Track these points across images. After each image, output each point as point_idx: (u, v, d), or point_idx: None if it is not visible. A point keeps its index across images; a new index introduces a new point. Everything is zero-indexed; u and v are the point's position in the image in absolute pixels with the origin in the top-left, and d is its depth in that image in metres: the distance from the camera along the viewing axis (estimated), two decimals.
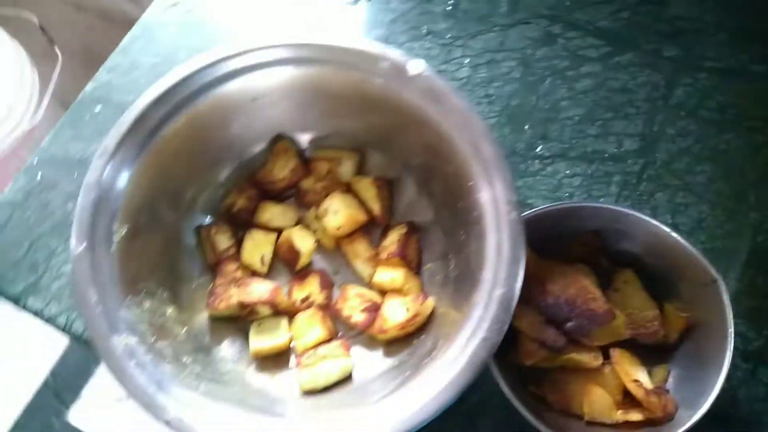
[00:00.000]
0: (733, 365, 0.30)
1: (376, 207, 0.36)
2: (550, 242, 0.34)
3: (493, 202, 0.30)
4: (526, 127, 0.41)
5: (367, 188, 0.36)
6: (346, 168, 0.36)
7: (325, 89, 0.34)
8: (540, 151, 0.40)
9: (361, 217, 0.36)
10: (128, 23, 0.48)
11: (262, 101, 0.35)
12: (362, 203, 0.36)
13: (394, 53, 0.32)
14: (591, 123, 0.41)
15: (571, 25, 0.44)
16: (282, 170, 0.37)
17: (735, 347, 0.31)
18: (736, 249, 0.39)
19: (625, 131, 0.41)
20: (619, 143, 0.41)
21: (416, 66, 0.32)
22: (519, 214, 0.29)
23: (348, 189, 0.37)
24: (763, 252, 0.39)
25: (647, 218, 0.34)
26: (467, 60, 0.43)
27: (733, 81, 0.43)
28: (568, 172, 0.40)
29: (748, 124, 0.42)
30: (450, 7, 0.44)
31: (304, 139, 0.37)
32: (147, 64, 0.44)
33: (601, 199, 0.39)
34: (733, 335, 0.31)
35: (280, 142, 0.37)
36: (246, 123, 0.36)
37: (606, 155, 0.41)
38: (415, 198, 0.37)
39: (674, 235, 0.33)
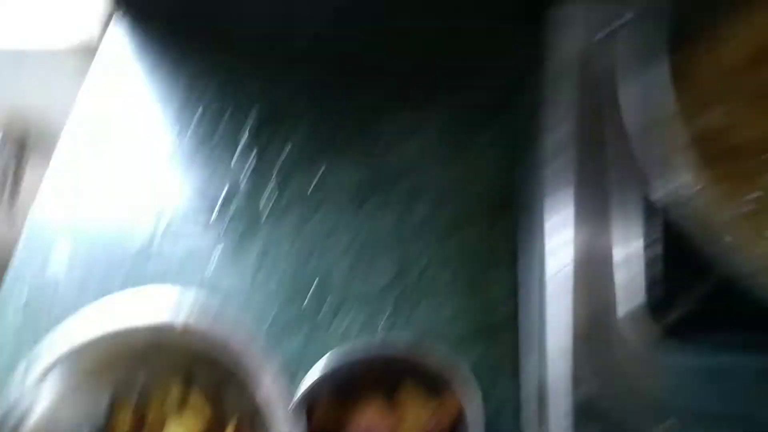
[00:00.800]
0: None
1: None
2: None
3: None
4: (310, 292, 0.52)
5: None
6: (171, 401, 0.45)
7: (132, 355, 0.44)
8: (325, 309, 0.51)
9: None
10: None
11: None
12: None
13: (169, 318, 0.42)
14: (356, 268, 0.52)
15: (324, 195, 0.55)
16: None
17: None
18: (489, 324, 0.50)
19: (383, 265, 0.52)
20: (381, 276, 0.51)
21: (182, 321, 0.42)
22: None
23: None
24: (505, 320, 0.49)
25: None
26: (251, 257, 0.53)
27: (452, 193, 0.55)
28: (350, 318, 0.50)
29: (469, 223, 0.53)
30: (228, 219, 0.56)
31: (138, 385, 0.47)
32: None
33: (379, 327, 0.50)
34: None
35: (117, 398, 0.46)
36: None
37: (374, 290, 0.51)
38: None
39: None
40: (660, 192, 0.35)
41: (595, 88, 0.44)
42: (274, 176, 0.57)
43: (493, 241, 0.53)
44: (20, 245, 0.56)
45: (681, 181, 0.36)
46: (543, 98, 0.48)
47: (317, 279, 0.52)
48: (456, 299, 0.51)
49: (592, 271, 0.40)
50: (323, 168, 0.57)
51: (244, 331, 0.41)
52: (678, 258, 0.37)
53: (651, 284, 0.38)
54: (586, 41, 0.46)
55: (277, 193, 0.56)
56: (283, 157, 0.58)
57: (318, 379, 0.43)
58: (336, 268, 0.53)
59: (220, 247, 0.54)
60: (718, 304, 0.34)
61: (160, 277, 0.54)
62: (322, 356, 0.48)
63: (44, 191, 0.59)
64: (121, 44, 0.66)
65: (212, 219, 0.56)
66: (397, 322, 0.50)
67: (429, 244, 0.53)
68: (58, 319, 0.51)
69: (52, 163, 0.61)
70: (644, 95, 0.35)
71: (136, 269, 0.54)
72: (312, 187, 0.56)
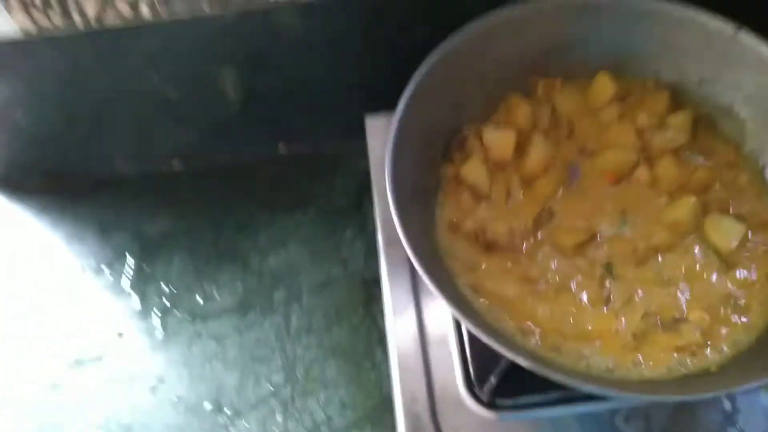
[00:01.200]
0: None
1: None
2: None
3: None
4: (208, 408, 0.55)
5: None
6: None
7: None
8: (222, 421, 0.55)
9: None
10: None
11: None
12: None
13: None
14: (247, 379, 0.57)
15: (207, 317, 0.60)
16: None
17: None
18: (373, 407, 0.55)
19: (271, 370, 0.57)
20: (270, 381, 0.57)
21: None
22: None
23: None
24: (390, 397, 0.54)
25: None
26: (149, 387, 0.57)
27: (325, 290, 0.61)
28: (246, 425, 0.54)
29: (345, 313, 0.59)
30: (123, 354, 0.59)
31: None
32: None
33: (275, 430, 0.54)
34: None
35: None
36: None
37: (265, 396, 0.56)
38: None
39: None
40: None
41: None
42: (158, 311, 0.61)
43: (369, 328, 0.59)
44: None
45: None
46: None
47: (212, 395, 0.56)
48: (342, 390, 0.56)
49: (427, 351, 0.47)
50: (202, 293, 0.62)
51: None
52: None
53: (466, 363, 0.45)
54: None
55: (164, 323, 0.60)
56: (164, 291, 0.62)
57: None
58: (227, 382, 0.57)
59: (117, 381, 0.58)
60: (518, 376, 0.40)
61: (64, 411, 0.56)
62: None
63: None
64: (2, 209, 0.70)
65: (105, 359, 0.59)
66: (289, 424, 0.54)
67: (310, 343, 0.58)
68: None
69: None
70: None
71: (42, 407, 0.56)
72: (196, 311, 0.61)
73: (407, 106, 0.44)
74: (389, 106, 0.57)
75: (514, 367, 0.40)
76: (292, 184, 0.68)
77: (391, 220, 0.51)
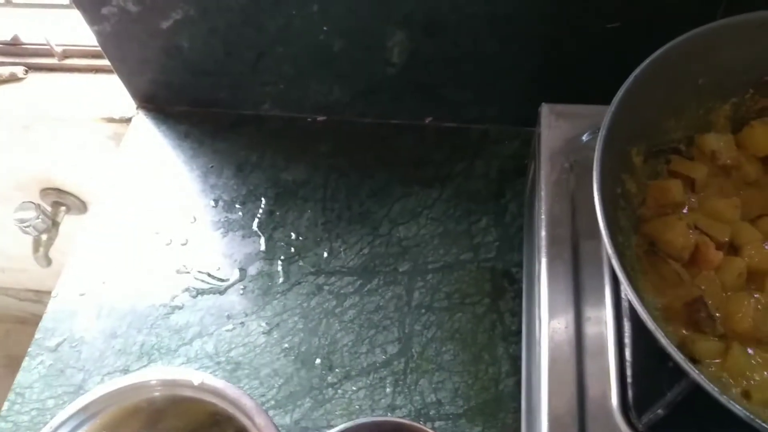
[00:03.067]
0: None
1: None
2: None
3: None
4: (317, 362, 0.55)
5: None
6: None
7: (151, 410, 0.47)
8: (330, 379, 0.54)
9: None
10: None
11: None
12: None
13: (186, 374, 0.46)
14: (361, 343, 0.56)
15: (330, 273, 0.60)
16: None
17: None
18: (486, 402, 0.52)
19: (386, 340, 0.56)
20: (384, 351, 0.55)
21: (198, 378, 0.45)
22: None
23: None
24: (506, 396, 0.52)
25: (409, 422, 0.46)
26: (262, 327, 0.57)
27: (452, 272, 0.59)
28: (354, 388, 0.53)
29: (469, 301, 0.57)
30: (242, 291, 0.59)
31: None
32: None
33: (382, 401, 0.53)
34: None
35: None
36: None
37: (377, 365, 0.54)
38: None
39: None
40: (627, 296, 0.38)
41: (576, 187, 0.49)
42: (282, 257, 0.61)
43: (494, 321, 0.56)
44: (48, 306, 0.60)
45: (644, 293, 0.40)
46: (533, 191, 0.52)
47: (323, 351, 0.55)
48: (456, 377, 0.54)
49: (580, 360, 0.44)
50: (329, 248, 0.61)
51: (253, 396, 0.44)
52: (648, 362, 0.40)
53: (622, 387, 0.41)
54: (572, 140, 0.51)
55: (287, 270, 0.60)
56: (291, 238, 0.62)
57: None
58: (341, 341, 0.56)
59: (233, 317, 0.58)
60: (688, 409, 0.37)
61: (181, 333, 0.57)
62: (325, 425, 0.51)
63: (76, 252, 0.64)
64: (146, 129, 0.72)
65: (226, 293, 0.60)
66: (397, 398, 0.53)
67: (430, 322, 0.56)
68: (82, 377, 0.55)
69: (84, 226, 0.66)
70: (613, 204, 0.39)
71: (158, 325, 0.58)
72: (320, 264, 0.60)
73: (621, 101, 0.41)
74: (559, 97, 0.55)
75: (687, 401, 0.37)
76: (432, 158, 0.66)
77: (559, 218, 0.49)
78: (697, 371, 0.34)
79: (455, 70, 0.63)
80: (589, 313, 0.46)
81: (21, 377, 0.56)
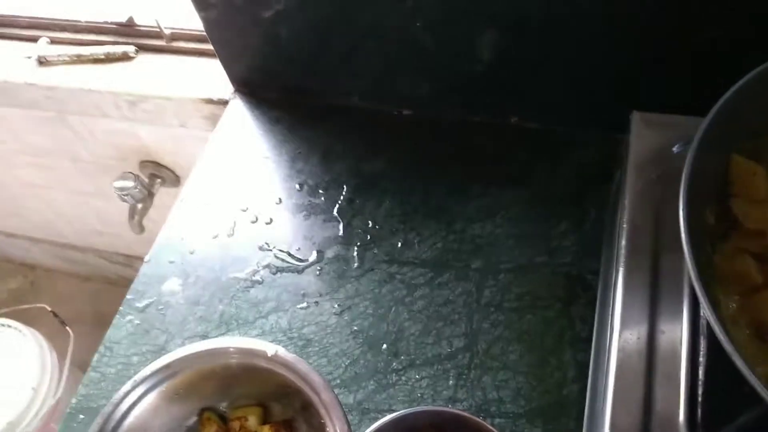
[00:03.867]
0: None
1: None
2: None
3: None
4: (383, 348, 0.57)
5: None
6: (252, 420, 0.51)
7: (225, 375, 0.50)
8: (395, 365, 0.55)
9: None
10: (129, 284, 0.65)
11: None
12: None
13: (261, 345, 0.49)
14: (428, 334, 0.57)
15: (403, 263, 0.61)
16: None
17: None
18: (549, 405, 0.52)
19: (453, 334, 0.56)
20: (450, 344, 0.56)
21: (272, 349, 0.48)
22: None
23: None
24: (570, 402, 0.52)
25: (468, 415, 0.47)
26: (335, 309, 0.59)
27: (524, 274, 0.59)
28: (417, 377, 0.55)
29: (540, 304, 0.57)
30: (318, 272, 0.62)
31: (223, 405, 0.53)
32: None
33: (444, 392, 0.54)
34: None
35: (205, 413, 0.52)
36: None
37: (442, 356, 0.55)
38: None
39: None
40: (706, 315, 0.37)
41: (662, 198, 0.47)
42: (359, 243, 0.63)
43: (564, 327, 0.56)
44: (140, 270, 0.65)
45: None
46: (617, 198, 0.51)
47: (390, 337, 0.57)
48: (520, 377, 0.54)
49: (636, 375, 0.43)
50: (403, 239, 0.63)
51: (321, 373, 0.46)
52: (721, 383, 0.39)
53: (692, 405, 0.40)
54: (662, 151, 0.50)
55: (362, 256, 0.62)
56: (368, 226, 0.64)
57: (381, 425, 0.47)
58: (409, 330, 0.57)
59: (308, 296, 0.61)
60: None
61: (258, 307, 0.61)
62: (387, 409, 0.52)
63: (169, 222, 0.69)
64: (240, 112, 0.76)
65: (303, 273, 0.63)
66: (459, 391, 0.54)
67: (498, 321, 0.56)
68: (165, 338, 0.59)
69: (177, 198, 0.71)
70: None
71: (238, 297, 0.62)
72: (394, 254, 0.62)
73: (714, 118, 0.40)
74: (647, 107, 0.54)
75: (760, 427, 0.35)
76: (513, 158, 0.66)
77: (641, 228, 0.48)
78: None
79: (543, 70, 0.62)
80: (663, 326, 0.46)
81: (111, 333, 0.61)
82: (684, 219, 0.38)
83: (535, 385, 0.53)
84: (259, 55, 0.74)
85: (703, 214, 0.44)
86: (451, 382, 0.54)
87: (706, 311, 0.35)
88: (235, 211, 0.68)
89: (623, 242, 0.47)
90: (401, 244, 0.62)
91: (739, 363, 0.34)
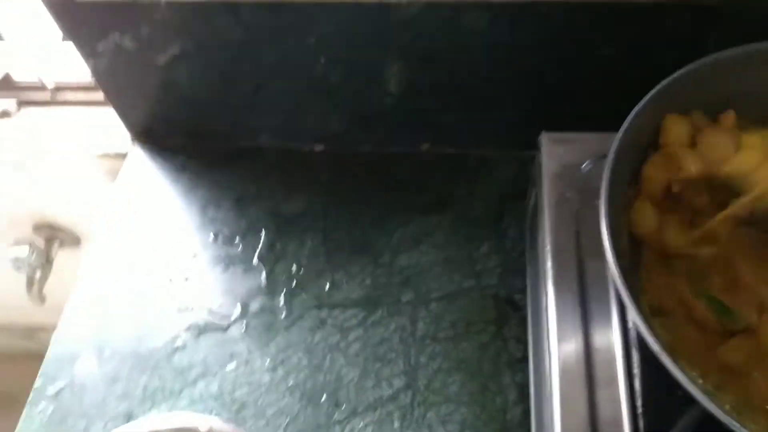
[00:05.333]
0: None
1: None
2: None
3: None
4: (323, 399, 0.54)
5: None
6: None
7: None
8: (337, 416, 0.53)
9: None
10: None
11: None
12: None
13: (193, 420, 0.45)
14: (367, 377, 0.55)
15: (333, 306, 0.59)
16: None
17: None
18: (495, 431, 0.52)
19: (392, 373, 0.55)
20: (390, 385, 0.55)
21: (205, 424, 0.45)
22: None
23: None
24: (514, 425, 0.52)
25: None
26: (267, 365, 0.57)
27: (455, 300, 0.59)
28: (361, 425, 0.53)
29: (473, 330, 0.57)
30: (244, 328, 0.59)
31: None
32: None
33: None
34: None
35: None
36: None
37: (384, 399, 0.54)
38: None
39: None
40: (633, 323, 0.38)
41: (580, 213, 0.49)
42: (284, 291, 0.61)
43: (499, 349, 0.56)
44: (49, 351, 0.59)
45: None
46: (534, 217, 0.53)
47: (329, 387, 0.55)
48: (463, 408, 0.53)
49: (588, 387, 0.44)
50: (331, 280, 0.61)
51: None
52: (659, 391, 0.40)
53: (633, 414, 0.41)
54: (573, 167, 0.51)
55: (289, 304, 0.60)
56: (292, 271, 0.62)
57: None
58: (347, 376, 0.55)
59: (236, 355, 0.57)
60: None
61: (184, 375, 0.56)
62: None
63: (74, 290, 0.63)
64: (142, 162, 0.72)
65: (228, 330, 0.59)
66: (409, 430, 0.52)
67: (435, 353, 0.56)
68: (84, 424, 0.54)
69: (81, 264, 0.65)
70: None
71: (160, 367, 0.57)
72: (322, 297, 0.60)
73: (626, 131, 0.41)
74: (554, 124, 0.55)
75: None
76: (432, 185, 0.66)
77: (562, 245, 0.49)
78: (707, 398, 0.34)
79: (452, 97, 0.63)
80: (597, 340, 0.46)
81: (22, 426, 0.55)
82: (606, 230, 0.39)
83: (479, 413, 0.53)
84: (158, 102, 0.70)
85: (621, 227, 0.45)
86: (396, 424, 0.53)
87: (633, 317, 0.36)
88: (148, 271, 0.63)
89: (548, 262, 0.47)
90: (329, 286, 0.60)
91: (667, 362, 0.35)
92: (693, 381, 0.36)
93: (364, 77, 0.62)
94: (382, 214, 0.64)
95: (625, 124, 0.43)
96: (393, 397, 0.54)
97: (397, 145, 0.69)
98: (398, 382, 0.55)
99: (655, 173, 0.47)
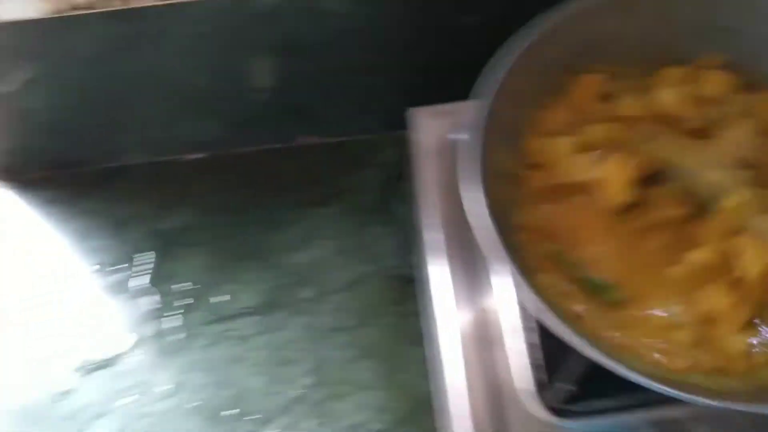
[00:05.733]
0: None
1: None
2: None
3: None
4: (231, 414, 0.52)
5: None
6: None
7: None
8: (248, 428, 0.51)
9: None
10: None
11: None
12: None
13: None
14: (275, 383, 0.53)
15: (232, 317, 0.56)
16: None
17: None
18: (411, 409, 0.51)
19: (301, 373, 0.53)
20: (300, 385, 0.52)
21: None
22: None
23: None
24: (428, 400, 0.51)
25: None
26: (167, 390, 0.53)
27: (356, 288, 0.57)
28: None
29: (378, 313, 0.56)
30: (141, 355, 0.55)
31: None
32: None
33: None
34: None
35: None
36: None
37: (295, 400, 0.52)
38: None
39: None
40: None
41: (452, 182, 0.49)
42: (179, 311, 0.58)
43: (405, 326, 0.55)
44: None
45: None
46: (411, 193, 0.53)
47: (236, 401, 0.53)
48: (376, 392, 0.53)
49: (483, 350, 0.44)
50: (226, 290, 0.58)
51: None
52: (552, 341, 0.41)
53: (534, 368, 0.42)
54: (441, 138, 0.52)
55: (186, 323, 0.57)
56: (185, 289, 0.59)
57: None
58: (254, 386, 0.53)
59: (134, 387, 0.54)
60: (593, 380, 0.38)
61: (76, 419, 0.52)
62: None
63: None
64: (5, 202, 0.66)
65: (122, 362, 0.55)
66: (322, 427, 0.51)
67: (341, 344, 0.55)
68: None
69: None
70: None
71: (47, 416, 0.53)
72: (218, 311, 0.57)
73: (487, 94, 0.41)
74: (429, 99, 0.56)
75: (593, 370, 0.37)
76: (319, 178, 0.65)
77: (436, 215, 0.49)
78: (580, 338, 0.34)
79: (325, 86, 0.62)
80: (488, 303, 0.47)
81: None
82: (485, 191, 0.39)
83: (393, 395, 0.52)
84: (15, 134, 0.64)
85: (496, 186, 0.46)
86: (310, 423, 0.51)
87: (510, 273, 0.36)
88: (28, 314, 0.58)
89: (424, 233, 0.48)
90: (224, 298, 0.58)
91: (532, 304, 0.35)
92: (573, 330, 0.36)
93: (232, 76, 0.60)
94: (272, 215, 0.63)
95: (486, 84, 0.43)
96: (304, 397, 0.52)
97: (279, 141, 0.67)
98: (308, 381, 0.53)
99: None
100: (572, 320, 0.39)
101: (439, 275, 0.46)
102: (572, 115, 0.46)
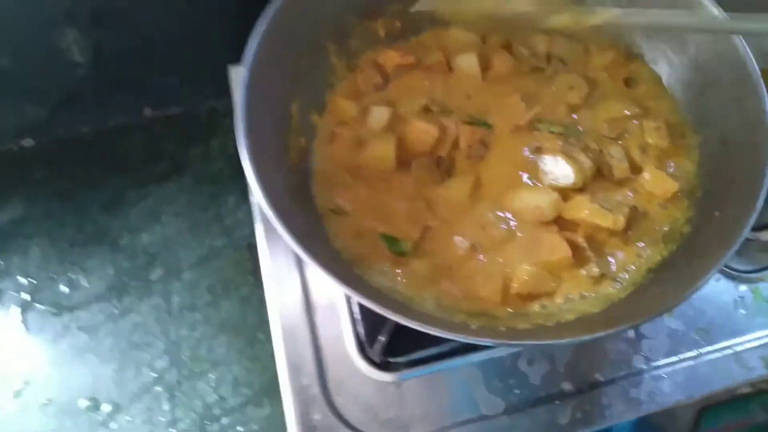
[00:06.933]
0: None
1: None
2: None
3: None
4: (83, 407, 0.49)
5: None
6: None
7: None
8: (100, 419, 0.49)
9: None
10: None
11: None
12: None
13: None
14: (126, 369, 0.50)
15: (74, 308, 0.53)
16: None
17: None
18: (269, 380, 0.51)
19: (154, 356, 0.51)
20: (153, 368, 0.51)
21: None
22: None
23: None
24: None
25: None
26: (8, 393, 0.50)
27: (209, 262, 0.56)
28: (128, 418, 0.49)
29: (233, 286, 0.55)
30: None
31: None
32: None
33: (161, 419, 0.49)
34: None
35: None
36: None
37: (148, 384, 0.50)
38: None
39: None
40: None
41: None
42: (18, 306, 0.54)
43: (258, 299, 0.54)
44: None
45: None
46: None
47: (86, 393, 0.50)
48: (234, 367, 0.52)
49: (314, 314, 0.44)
50: (68, 282, 0.55)
51: None
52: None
53: (356, 326, 0.42)
54: None
55: (25, 321, 0.53)
56: (21, 285, 0.55)
57: None
58: (103, 374, 0.51)
59: None
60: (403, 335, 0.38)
61: None
62: None
63: None
64: None
65: None
66: (177, 411, 0.50)
67: (195, 322, 0.53)
68: None
69: None
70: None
71: None
72: (61, 303, 0.54)
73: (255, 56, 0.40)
74: None
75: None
76: (163, 151, 0.61)
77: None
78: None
79: (150, 56, 0.58)
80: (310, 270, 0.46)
81: None
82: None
83: (251, 368, 0.51)
84: None
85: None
86: (165, 406, 0.50)
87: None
88: None
89: (252, 200, 0.46)
90: (68, 289, 0.55)
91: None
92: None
93: (40, 53, 0.55)
94: (115, 196, 0.59)
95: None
96: (158, 380, 0.51)
97: (116, 118, 0.62)
98: (161, 363, 0.51)
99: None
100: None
101: (270, 248, 0.45)
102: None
